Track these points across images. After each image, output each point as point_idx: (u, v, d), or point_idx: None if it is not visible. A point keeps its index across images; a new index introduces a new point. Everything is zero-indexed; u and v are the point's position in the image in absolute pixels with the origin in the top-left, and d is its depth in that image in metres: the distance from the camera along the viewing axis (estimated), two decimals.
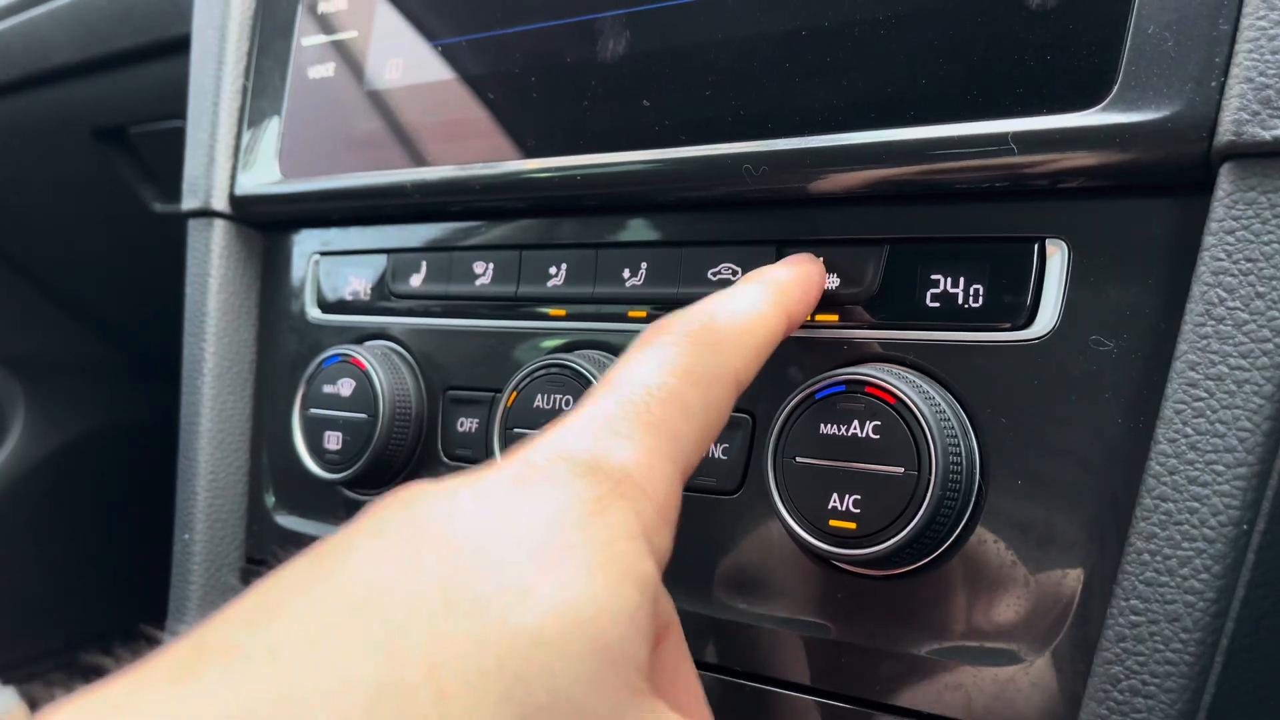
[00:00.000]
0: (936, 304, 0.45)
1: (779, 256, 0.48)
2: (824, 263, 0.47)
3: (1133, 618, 0.38)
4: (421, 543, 0.28)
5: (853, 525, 0.42)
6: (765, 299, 0.40)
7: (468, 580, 0.27)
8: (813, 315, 0.47)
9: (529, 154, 0.55)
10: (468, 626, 0.26)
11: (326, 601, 0.26)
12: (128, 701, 0.24)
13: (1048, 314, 0.42)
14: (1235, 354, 0.37)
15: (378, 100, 0.61)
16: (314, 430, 0.62)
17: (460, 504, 0.29)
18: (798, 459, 0.44)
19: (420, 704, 0.24)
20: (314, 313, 0.67)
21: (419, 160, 0.59)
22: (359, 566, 0.27)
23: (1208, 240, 0.38)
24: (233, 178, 0.68)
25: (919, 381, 0.43)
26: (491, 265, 0.58)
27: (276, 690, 0.24)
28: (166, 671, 0.24)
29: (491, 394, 0.57)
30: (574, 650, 0.26)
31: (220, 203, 0.68)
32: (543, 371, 0.52)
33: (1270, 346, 0.36)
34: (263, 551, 0.69)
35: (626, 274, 0.53)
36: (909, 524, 0.41)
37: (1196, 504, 0.37)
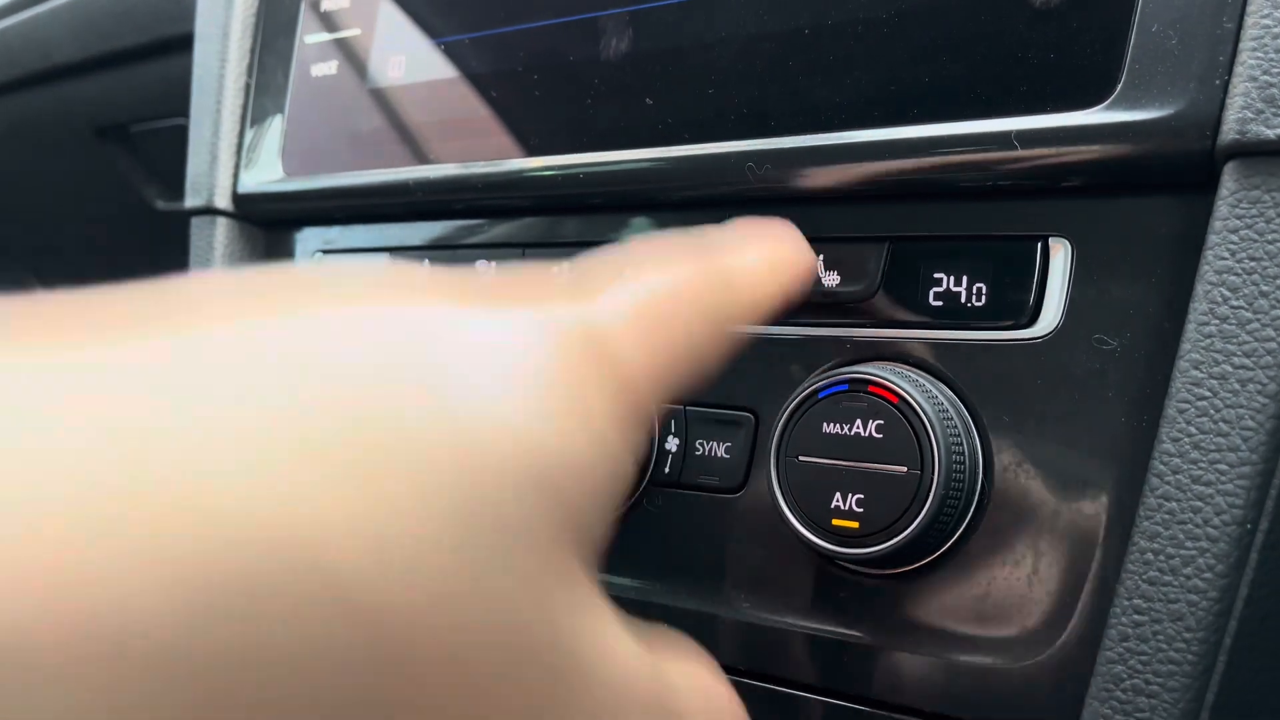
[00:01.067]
0: (939, 302, 0.45)
1: None
2: (826, 260, 0.47)
3: (1136, 617, 0.38)
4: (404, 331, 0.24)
5: (855, 524, 0.42)
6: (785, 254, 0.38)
7: (444, 372, 0.23)
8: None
9: (532, 152, 0.55)
10: (427, 406, 0.22)
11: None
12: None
13: (1051, 313, 0.42)
14: (1239, 353, 0.37)
15: (380, 98, 0.61)
16: None
17: (466, 324, 0.25)
18: (800, 458, 0.44)
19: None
20: None
21: (422, 158, 0.59)
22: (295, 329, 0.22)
23: (1211, 239, 0.38)
24: (235, 176, 0.68)
25: (922, 380, 0.43)
26: (495, 264, 0.58)
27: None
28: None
29: None
30: (530, 479, 0.23)
31: (223, 201, 0.68)
32: None
33: (1274, 345, 0.36)
34: None
35: None
36: (912, 523, 0.41)
37: (1200, 503, 0.37)
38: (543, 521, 0.23)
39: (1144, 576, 0.38)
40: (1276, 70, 0.36)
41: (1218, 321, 0.37)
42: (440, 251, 0.60)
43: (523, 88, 0.55)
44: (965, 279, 0.44)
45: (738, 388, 0.49)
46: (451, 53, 0.58)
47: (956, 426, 0.42)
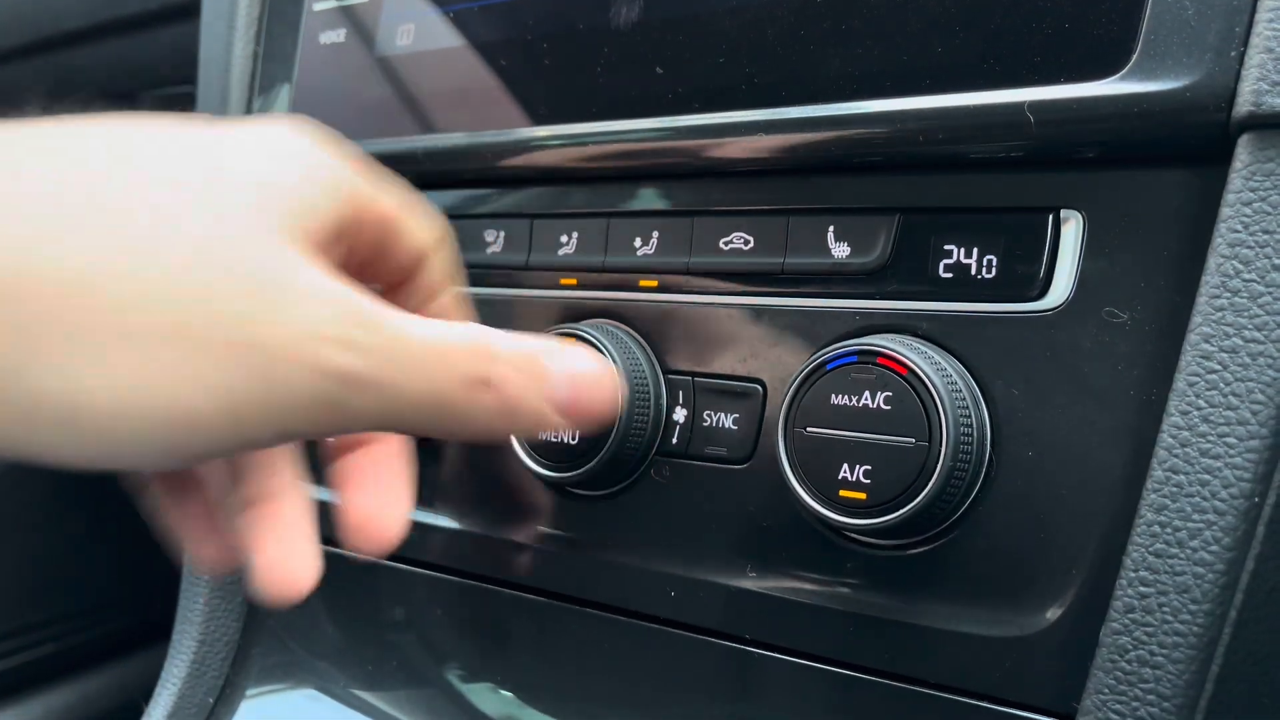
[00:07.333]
0: (949, 274, 0.44)
1: (790, 225, 0.48)
2: (836, 232, 0.47)
3: (1142, 589, 0.38)
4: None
5: (863, 496, 0.42)
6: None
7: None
8: None
9: (540, 121, 0.54)
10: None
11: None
12: None
13: (1061, 285, 0.42)
14: (1250, 326, 0.37)
15: (389, 66, 0.61)
16: None
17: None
18: (808, 429, 0.44)
19: None
20: None
21: (430, 127, 0.59)
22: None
23: (1225, 212, 0.37)
24: None
25: (930, 352, 0.43)
26: (502, 233, 0.58)
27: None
28: None
29: None
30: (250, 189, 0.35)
31: None
32: None
33: None
34: None
35: (638, 243, 0.53)
36: (919, 494, 0.41)
37: (1208, 476, 0.37)
38: (255, 213, 0.35)
39: (1150, 549, 0.38)
40: None
41: (1229, 295, 0.37)
42: (448, 221, 0.60)
43: (531, 56, 0.55)
44: (976, 251, 0.44)
45: (746, 359, 0.49)
46: (460, 20, 0.58)
47: (965, 399, 0.42)
